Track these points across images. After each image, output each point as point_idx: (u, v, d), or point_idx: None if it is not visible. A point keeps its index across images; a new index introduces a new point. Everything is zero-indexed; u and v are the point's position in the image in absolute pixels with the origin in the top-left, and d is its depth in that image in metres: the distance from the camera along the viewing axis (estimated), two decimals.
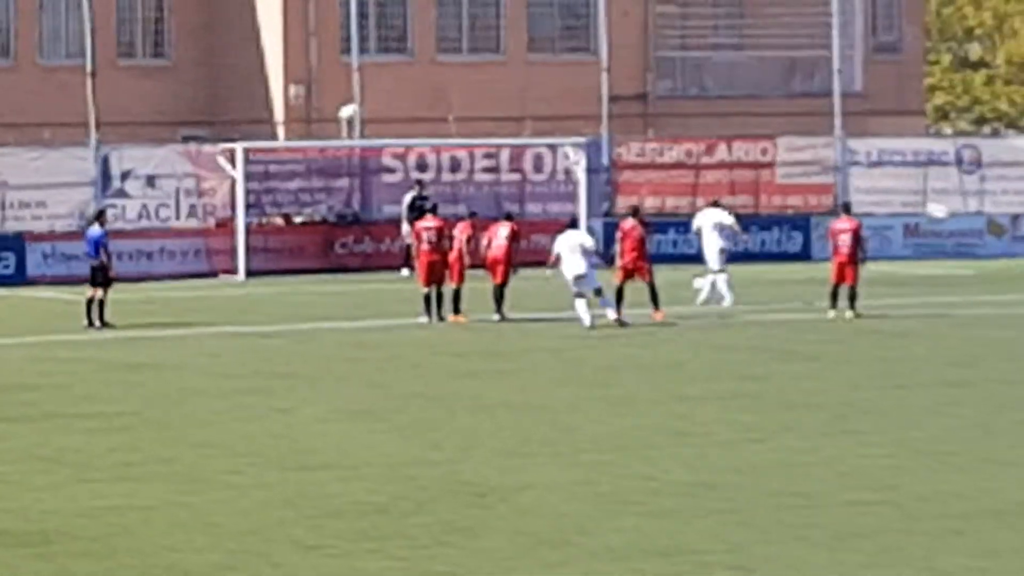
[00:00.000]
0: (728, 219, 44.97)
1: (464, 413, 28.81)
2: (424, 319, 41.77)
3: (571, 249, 40.26)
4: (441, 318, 41.79)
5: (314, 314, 43.29)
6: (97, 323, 41.17)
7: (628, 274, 41.44)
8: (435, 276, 42.01)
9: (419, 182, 54.90)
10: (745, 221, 53.53)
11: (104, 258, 42.05)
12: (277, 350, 37.49)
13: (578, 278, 39.72)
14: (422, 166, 56.37)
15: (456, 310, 41.61)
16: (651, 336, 38.88)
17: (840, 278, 41.13)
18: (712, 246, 44.12)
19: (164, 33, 65.45)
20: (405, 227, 51.08)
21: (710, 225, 44.56)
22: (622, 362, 35.05)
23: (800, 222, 58.23)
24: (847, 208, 44.18)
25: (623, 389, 31.46)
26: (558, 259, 40.35)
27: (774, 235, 57.06)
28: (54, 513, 21.16)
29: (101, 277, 41.82)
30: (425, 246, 42.18)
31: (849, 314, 40.80)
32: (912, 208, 54.39)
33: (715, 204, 46.44)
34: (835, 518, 20.61)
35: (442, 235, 42.42)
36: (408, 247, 48.52)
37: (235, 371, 34.33)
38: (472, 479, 23.07)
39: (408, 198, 53.75)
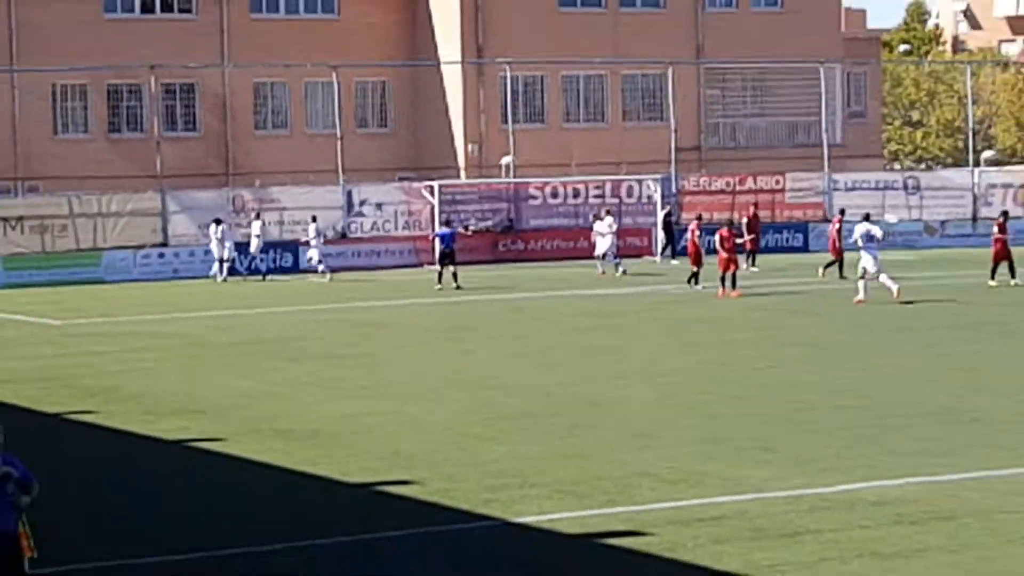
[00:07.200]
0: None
1: (586, 352, 28.86)
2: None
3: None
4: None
5: (488, 287, 43.57)
6: (454, 286, 42.70)
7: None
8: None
9: (670, 204, 55.45)
10: (765, 226, 53.34)
11: (452, 246, 44.51)
12: (463, 313, 37.60)
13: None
14: (554, 194, 56.56)
15: (733, 285, 39.08)
16: (709, 300, 38.77)
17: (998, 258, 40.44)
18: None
19: (387, 111, 65.80)
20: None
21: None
22: (690, 318, 34.93)
23: (801, 227, 57.92)
24: (1005, 214, 43.41)
25: (689, 335, 31.48)
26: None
27: (784, 235, 56.67)
28: (317, 419, 21.50)
29: (448, 259, 43.72)
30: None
31: (1014, 281, 39.89)
32: (875, 217, 54.11)
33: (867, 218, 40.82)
34: (827, 417, 20.70)
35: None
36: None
37: (436, 326, 34.47)
38: (589, 395, 23.24)
39: (663, 216, 54.57)
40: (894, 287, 36.00)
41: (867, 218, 40.03)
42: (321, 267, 49.31)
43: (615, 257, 47.39)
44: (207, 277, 49.57)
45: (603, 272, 46.91)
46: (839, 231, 44.74)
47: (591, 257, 48.96)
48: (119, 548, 14.31)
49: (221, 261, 49.70)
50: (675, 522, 14.61)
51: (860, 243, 37.06)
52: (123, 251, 51.25)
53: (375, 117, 65.58)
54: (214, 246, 49.70)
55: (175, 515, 15.92)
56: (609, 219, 48.76)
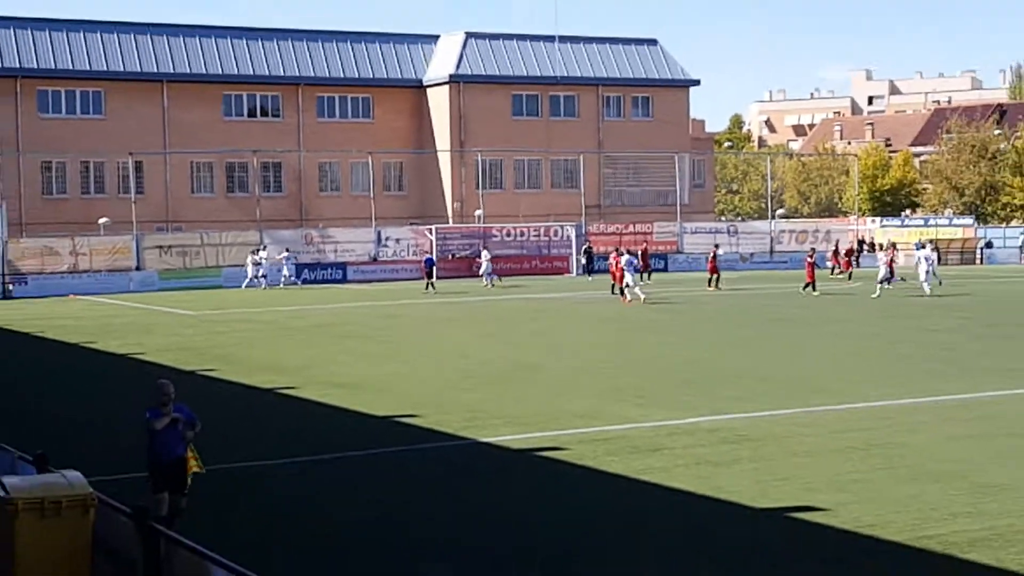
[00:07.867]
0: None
1: (529, 335, 28.59)
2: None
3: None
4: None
5: (465, 293, 43.49)
6: (432, 291, 42.76)
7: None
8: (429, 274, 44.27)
9: (588, 241, 54.91)
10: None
11: (432, 267, 45.14)
12: (450, 309, 37.15)
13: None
14: (509, 234, 56.75)
15: (622, 293, 37.49)
16: (614, 304, 38.57)
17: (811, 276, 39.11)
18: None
19: (403, 181, 65.76)
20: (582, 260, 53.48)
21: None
22: (599, 314, 34.61)
23: (663, 257, 57.83)
24: (813, 250, 43.58)
25: (597, 325, 31.15)
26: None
27: (653, 262, 55.93)
28: (358, 376, 20.95)
29: (429, 275, 44.12)
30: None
31: (815, 293, 38.71)
32: (710, 250, 54.28)
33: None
34: (681, 376, 20.54)
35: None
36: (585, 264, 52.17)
37: (433, 317, 34.12)
38: (531, 362, 23.02)
39: (583, 248, 53.99)
40: (641, 296, 36.48)
41: (628, 251, 40.60)
42: (275, 280, 48.50)
43: (493, 274, 47.54)
44: (274, 286, 48.24)
45: (487, 285, 46.69)
46: (714, 257, 45.14)
47: (521, 274, 49.29)
48: (238, 455, 14.26)
49: (255, 276, 48.44)
50: (582, 442, 14.60)
51: (625, 266, 37.31)
52: (235, 268, 50.87)
53: (395, 184, 65.64)
54: (250, 267, 48.80)
55: (268, 437, 15.80)
56: (486, 252, 49.34)
